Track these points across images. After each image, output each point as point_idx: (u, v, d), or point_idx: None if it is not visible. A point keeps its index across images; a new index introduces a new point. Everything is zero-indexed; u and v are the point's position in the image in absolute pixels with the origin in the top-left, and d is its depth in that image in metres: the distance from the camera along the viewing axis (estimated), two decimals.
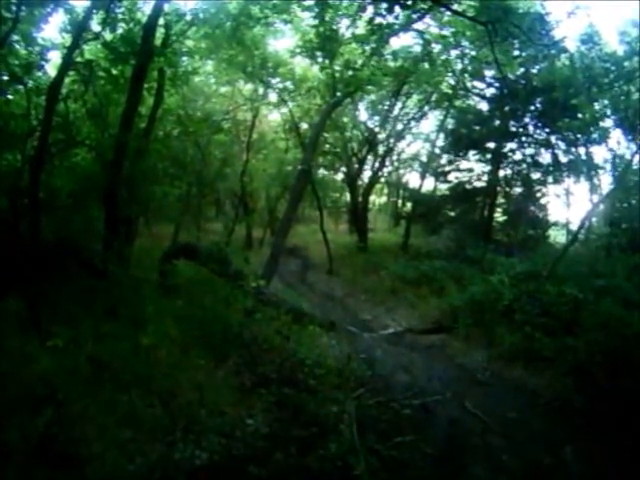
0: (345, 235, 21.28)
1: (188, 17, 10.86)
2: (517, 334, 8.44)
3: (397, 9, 9.07)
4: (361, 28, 12.58)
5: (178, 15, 10.62)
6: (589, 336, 7.66)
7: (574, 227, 14.54)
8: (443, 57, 14.95)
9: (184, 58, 12.09)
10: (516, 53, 14.21)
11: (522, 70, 15.33)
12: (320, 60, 14.43)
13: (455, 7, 10.05)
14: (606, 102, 13.95)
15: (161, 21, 9.52)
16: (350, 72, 13.52)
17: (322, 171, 22.73)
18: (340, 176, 22.63)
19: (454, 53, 15.26)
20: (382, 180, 22.99)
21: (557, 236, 17.08)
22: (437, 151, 19.77)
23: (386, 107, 19.05)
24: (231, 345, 6.48)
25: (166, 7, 9.59)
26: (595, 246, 13.66)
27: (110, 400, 4.54)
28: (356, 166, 20.07)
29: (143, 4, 9.80)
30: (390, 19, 9.87)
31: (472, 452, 5.38)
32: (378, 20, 9.81)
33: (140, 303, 6.66)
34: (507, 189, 17.69)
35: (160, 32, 9.78)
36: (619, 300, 8.59)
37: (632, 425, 5.92)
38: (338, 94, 13.98)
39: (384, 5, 8.92)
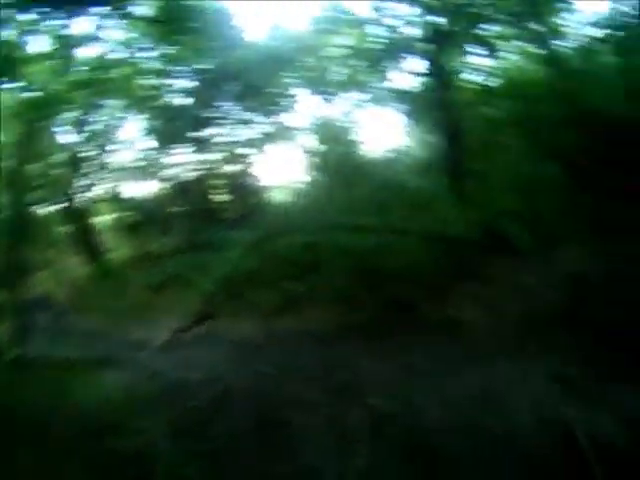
0: (85, 265, 19.31)
1: None
2: (270, 292, 9.15)
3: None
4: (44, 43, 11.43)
5: None
6: (332, 266, 8.84)
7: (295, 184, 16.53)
8: (135, 60, 14.83)
9: None
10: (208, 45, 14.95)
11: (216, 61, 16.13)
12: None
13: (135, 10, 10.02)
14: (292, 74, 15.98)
15: None
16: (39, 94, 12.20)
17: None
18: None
19: (148, 55, 15.27)
20: (103, 198, 21.47)
21: (282, 198, 18.72)
22: (147, 153, 19.37)
23: (87, 122, 17.68)
24: None
25: None
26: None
27: None
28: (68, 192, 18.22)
29: None
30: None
31: (287, 404, 5.65)
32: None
33: None
34: (220, 170, 18.68)
35: None
36: (345, 230, 9.70)
37: (401, 320, 7.18)
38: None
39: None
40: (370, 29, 13.56)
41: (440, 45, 11.50)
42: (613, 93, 9.82)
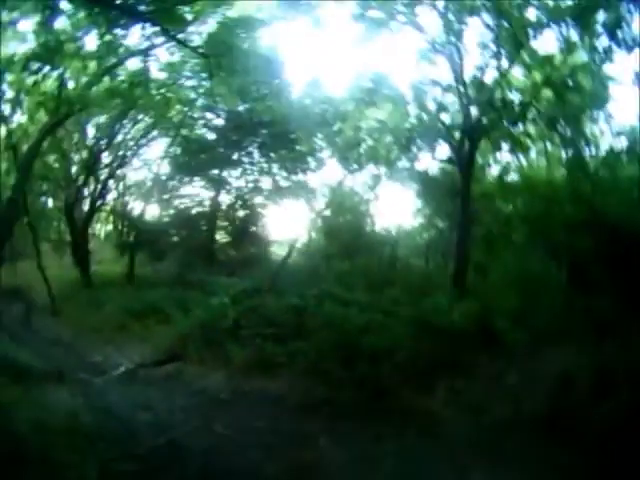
0: (71, 269, 18.89)
1: None
2: (248, 348, 8.71)
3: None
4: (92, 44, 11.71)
5: None
6: (316, 336, 8.48)
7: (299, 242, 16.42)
8: (172, 85, 15.06)
9: None
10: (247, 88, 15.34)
11: (248, 105, 16.62)
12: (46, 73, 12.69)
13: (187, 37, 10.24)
14: (321, 137, 16.22)
15: None
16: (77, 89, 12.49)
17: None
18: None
19: (186, 84, 15.57)
20: (106, 208, 21.37)
21: (281, 253, 18.61)
22: (162, 178, 19.47)
23: (111, 131, 17.87)
24: None
25: None
26: (315, 258, 15.46)
27: None
28: (74, 193, 18.09)
29: None
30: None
31: (236, 474, 5.18)
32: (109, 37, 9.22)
33: None
34: (230, 212, 18.65)
35: None
36: (337, 301, 9.66)
37: (374, 405, 6.79)
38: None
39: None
40: (405, 107, 13.80)
41: (469, 135, 11.69)
42: (628, 202, 9.84)
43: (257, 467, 5.20)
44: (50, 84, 13.52)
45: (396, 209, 18.47)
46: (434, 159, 14.11)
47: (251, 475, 5.12)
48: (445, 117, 12.87)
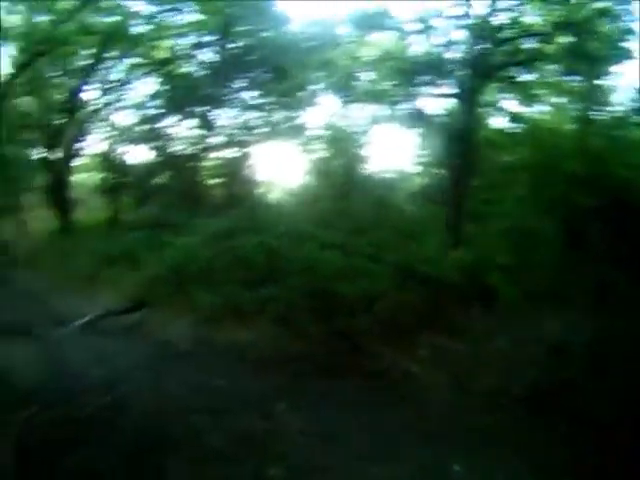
0: (55, 220, 18.28)
1: None
2: (217, 294, 7.91)
3: None
4: None
5: None
6: (290, 281, 7.60)
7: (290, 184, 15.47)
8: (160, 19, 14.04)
9: None
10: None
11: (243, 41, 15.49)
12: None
13: None
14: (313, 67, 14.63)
15: None
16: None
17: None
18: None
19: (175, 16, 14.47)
20: (89, 153, 20.41)
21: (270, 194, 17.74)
22: (147, 119, 18.30)
23: (91, 71, 16.59)
24: None
25: None
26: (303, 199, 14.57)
27: None
28: (52, 138, 17.08)
29: None
30: None
31: (169, 442, 4.41)
32: None
33: None
34: (217, 152, 17.59)
35: None
36: (317, 243, 8.74)
37: (347, 363, 6.04)
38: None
39: None
40: (408, 39, 12.44)
41: (476, 73, 10.41)
42: (635, 164, 9.09)
43: (199, 436, 4.50)
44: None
45: (393, 152, 17.25)
46: (436, 95, 12.69)
47: (190, 447, 4.38)
48: (451, 54, 11.48)
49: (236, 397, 5.35)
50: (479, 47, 10.43)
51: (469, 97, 10.58)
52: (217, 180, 17.78)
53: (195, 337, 7.32)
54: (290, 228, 9.50)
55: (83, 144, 18.42)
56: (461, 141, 10.75)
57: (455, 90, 11.23)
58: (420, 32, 11.86)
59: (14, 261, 14.81)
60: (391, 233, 9.66)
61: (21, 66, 12.21)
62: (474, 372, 5.83)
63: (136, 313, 8.53)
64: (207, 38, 15.90)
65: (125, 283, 9.79)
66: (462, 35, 11.09)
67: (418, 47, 12.33)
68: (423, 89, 13.01)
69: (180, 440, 4.46)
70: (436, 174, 14.83)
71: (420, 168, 16.76)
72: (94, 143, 18.96)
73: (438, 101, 13.21)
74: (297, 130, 16.75)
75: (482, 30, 10.37)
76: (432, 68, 11.74)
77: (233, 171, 17.15)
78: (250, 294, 7.69)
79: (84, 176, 22.99)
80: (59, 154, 17.55)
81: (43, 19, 12.42)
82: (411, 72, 12.27)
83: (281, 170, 16.06)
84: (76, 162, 19.03)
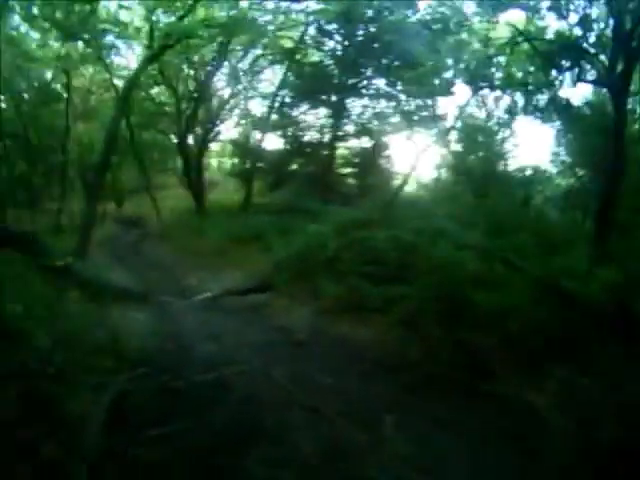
0: (188, 200, 19.63)
1: None
2: (342, 285, 7.45)
3: None
4: None
5: None
6: (421, 283, 6.78)
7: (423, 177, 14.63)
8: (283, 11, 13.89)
9: None
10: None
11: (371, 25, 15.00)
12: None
13: None
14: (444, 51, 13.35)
15: None
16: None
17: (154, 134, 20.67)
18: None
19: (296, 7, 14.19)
20: (222, 139, 21.54)
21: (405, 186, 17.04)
22: (279, 107, 18.61)
23: (219, 61, 17.36)
24: None
25: None
26: (442, 195, 13.66)
27: None
28: (185, 125, 18.17)
29: None
30: None
31: (258, 437, 3.99)
32: None
33: None
34: (350, 141, 17.26)
35: None
36: (452, 244, 7.81)
37: (467, 380, 5.17)
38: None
39: None
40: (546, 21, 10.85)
41: (623, 53, 8.65)
42: None
43: (288, 441, 3.99)
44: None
45: (532, 147, 15.60)
46: (579, 81, 10.84)
47: (276, 448, 3.89)
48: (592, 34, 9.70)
49: (338, 399, 4.77)
50: (625, 20, 8.59)
51: (618, 84, 8.82)
52: (349, 169, 17.50)
53: (312, 327, 6.94)
54: (424, 224, 8.74)
55: (216, 130, 19.40)
56: (609, 137, 9.13)
57: (601, 76, 9.55)
58: (558, 9, 10.12)
59: (149, 234, 15.99)
60: (531, 239, 8.43)
61: (147, 60, 12.74)
62: (603, 415, 4.47)
63: (259, 295, 8.38)
64: (333, 26, 15.64)
65: (253, 264, 9.84)
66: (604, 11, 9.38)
67: (556, 25, 10.68)
68: (564, 75, 11.26)
69: (269, 433, 4.09)
70: (580, 176, 13.10)
71: (561, 167, 14.99)
72: (227, 129, 19.97)
73: (581, 89, 11.37)
74: (430, 120, 15.76)
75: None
76: (574, 50, 10.04)
77: (365, 161, 16.75)
78: (377, 290, 7.08)
79: (218, 160, 24.43)
80: (193, 140, 18.65)
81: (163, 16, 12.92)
82: (550, 55, 10.58)
83: (415, 162, 15.22)
84: (210, 147, 20.15)
